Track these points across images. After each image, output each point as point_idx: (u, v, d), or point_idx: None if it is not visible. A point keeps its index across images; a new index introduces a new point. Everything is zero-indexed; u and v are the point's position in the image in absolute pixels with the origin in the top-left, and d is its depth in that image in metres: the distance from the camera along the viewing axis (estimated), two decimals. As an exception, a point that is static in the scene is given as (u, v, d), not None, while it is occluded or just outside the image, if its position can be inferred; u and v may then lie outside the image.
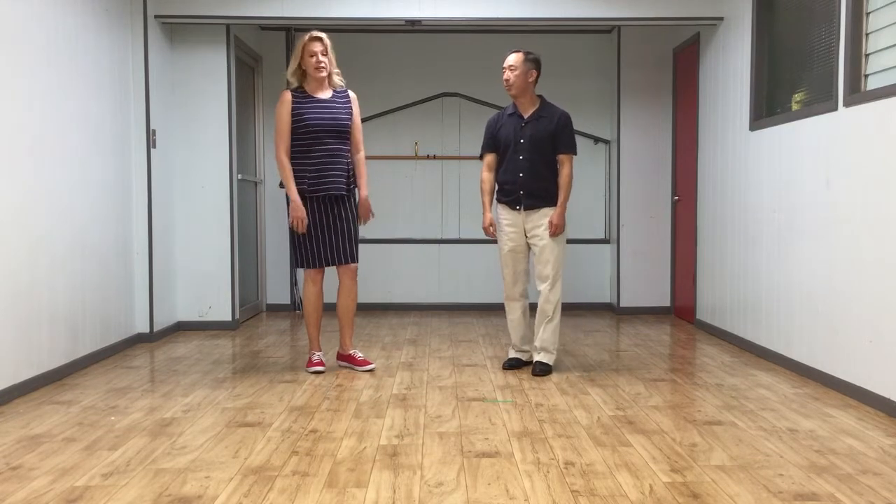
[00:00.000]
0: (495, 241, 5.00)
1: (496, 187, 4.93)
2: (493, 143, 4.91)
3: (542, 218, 4.77)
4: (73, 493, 2.81)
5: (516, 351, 5.00)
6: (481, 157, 4.99)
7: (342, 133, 4.78)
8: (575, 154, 4.84)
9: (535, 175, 4.76)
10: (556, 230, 4.73)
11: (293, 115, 4.71)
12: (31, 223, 4.35)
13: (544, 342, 4.80)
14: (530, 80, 4.78)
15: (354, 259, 4.85)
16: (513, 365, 4.93)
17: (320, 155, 4.72)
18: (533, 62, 4.79)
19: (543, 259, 4.76)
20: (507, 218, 4.86)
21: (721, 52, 6.09)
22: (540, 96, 4.88)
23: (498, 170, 4.91)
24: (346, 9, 6.11)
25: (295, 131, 4.72)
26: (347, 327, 4.95)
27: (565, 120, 4.83)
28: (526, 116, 4.81)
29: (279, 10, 6.10)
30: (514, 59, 4.78)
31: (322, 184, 4.72)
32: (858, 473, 3.00)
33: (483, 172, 4.96)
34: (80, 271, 4.90)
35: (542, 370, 4.75)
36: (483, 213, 4.93)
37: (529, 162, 4.77)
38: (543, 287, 4.77)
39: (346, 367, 4.95)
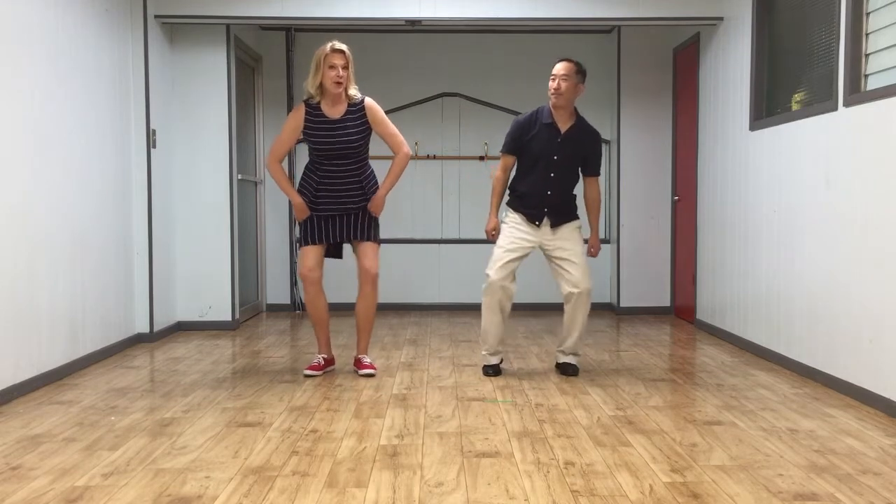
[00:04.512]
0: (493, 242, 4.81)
1: (508, 192, 4.79)
2: (518, 147, 4.71)
3: (568, 232, 4.69)
4: (73, 493, 2.81)
5: (491, 354, 4.77)
6: (501, 154, 4.81)
7: (351, 154, 4.61)
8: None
9: (563, 194, 4.70)
10: (598, 252, 4.85)
11: (304, 132, 4.64)
12: (32, 223, 4.35)
13: (577, 347, 4.81)
14: (578, 94, 4.64)
15: (369, 237, 4.71)
16: (497, 371, 4.77)
17: (325, 175, 4.62)
18: (582, 75, 4.63)
19: (581, 271, 4.64)
20: (521, 226, 4.69)
21: (721, 52, 6.09)
22: (575, 108, 4.72)
23: (517, 175, 4.76)
24: (346, 9, 6.11)
25: (307, 145, 4.69)
26: (361, 332, 4.85)
27: (600, 143, 4.82)
28: (563, 131, 4.64)
29: (279, 10, 6.10)
30: (565, 67, 4.59)
31: (325, 203, 4.64)
32: (858, 473, 3.00)
33: (498, 171, 4.79)
34: (80, 271, 4.90)
35: (574, 371, 4.77)
36: (489, 215, 4.81)
37: (560, 180, 4.67)
38: (581, 297, 4.64)
39: (349, 369, 4.95)
